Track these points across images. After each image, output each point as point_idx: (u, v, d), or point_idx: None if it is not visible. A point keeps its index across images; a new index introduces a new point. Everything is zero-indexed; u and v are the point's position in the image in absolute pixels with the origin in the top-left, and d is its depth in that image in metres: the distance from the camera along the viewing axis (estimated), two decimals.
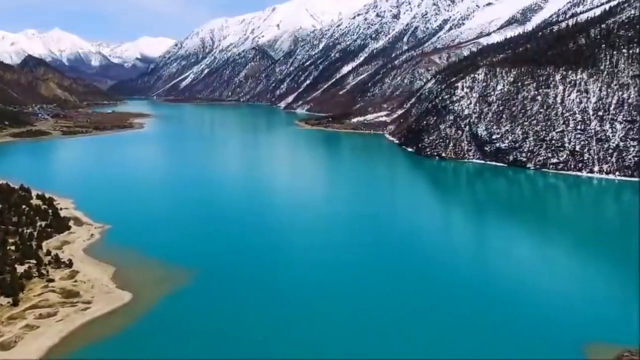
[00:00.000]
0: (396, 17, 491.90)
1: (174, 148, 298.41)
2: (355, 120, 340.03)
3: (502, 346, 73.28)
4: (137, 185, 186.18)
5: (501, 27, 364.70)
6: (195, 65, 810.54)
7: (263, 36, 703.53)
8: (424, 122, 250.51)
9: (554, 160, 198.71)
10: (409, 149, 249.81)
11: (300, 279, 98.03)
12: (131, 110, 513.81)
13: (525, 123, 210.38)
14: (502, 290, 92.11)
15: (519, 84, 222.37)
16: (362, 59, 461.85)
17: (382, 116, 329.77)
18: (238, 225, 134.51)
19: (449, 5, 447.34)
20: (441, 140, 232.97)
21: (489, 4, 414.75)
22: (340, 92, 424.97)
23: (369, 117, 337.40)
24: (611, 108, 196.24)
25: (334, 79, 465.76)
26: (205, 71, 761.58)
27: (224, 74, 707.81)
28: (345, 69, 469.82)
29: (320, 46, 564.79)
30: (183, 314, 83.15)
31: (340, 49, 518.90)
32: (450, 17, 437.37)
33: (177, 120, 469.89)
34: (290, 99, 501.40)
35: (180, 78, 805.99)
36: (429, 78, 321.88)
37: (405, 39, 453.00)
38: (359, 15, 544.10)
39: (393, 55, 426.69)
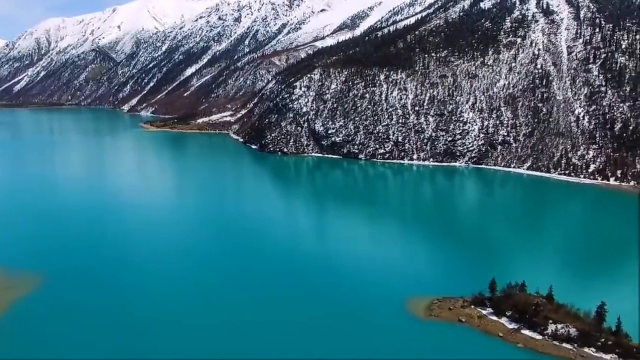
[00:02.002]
0: (238, 20, 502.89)
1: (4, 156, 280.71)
2: (200, 121, 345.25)
3: (342, 310, 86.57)
4: None
5: (334, 32, 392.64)
6: (30, 68, 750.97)
7: (104, 38, 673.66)
8: (267, 121, 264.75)
9: (382, 151, 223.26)
10: (254, 147, 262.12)
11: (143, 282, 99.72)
12: None
13: (357, 119, 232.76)
14: (341, 267, 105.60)
15: (350, 83, 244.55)
16: (205, 61, 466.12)
17: (226, 116, 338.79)
18: (77, 229, 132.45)
19: (287, 10, 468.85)
20: (283, 136, 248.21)
21: (323, 10, 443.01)
22: (185, 94, 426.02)
23: (214, 117, 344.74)
24: (425, 104, 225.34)
25: (179, 81, 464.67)
26: (42, 74, 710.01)
27: (63, 76, 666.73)
28: (189, 71, 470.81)
29: (164, 48, 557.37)
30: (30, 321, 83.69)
31: (183, 52, 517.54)
32: (288, 21, 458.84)
33: (11, 126, 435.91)
34: (134, 102, 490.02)
35: (13, 81, 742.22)
36: (270, 79, 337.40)
37: (247, 42, 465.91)
38: (201, 18, 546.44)
39: (236, 57, 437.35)
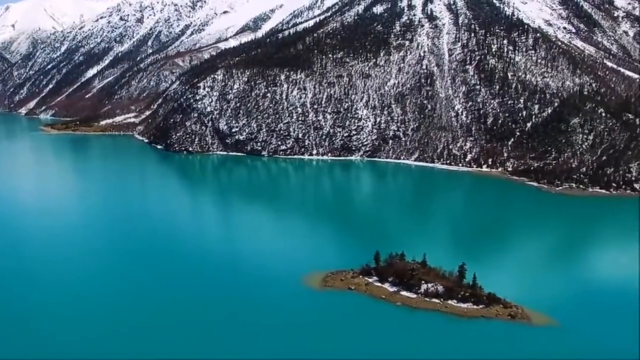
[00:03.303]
0: (140, 21, 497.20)
1: None
2: (104, 122, 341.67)
3: (248, 292, 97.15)
4: None
5: (237, 34, 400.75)
6: None
7: None
8: (171, 121, 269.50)
9: (283, 147, 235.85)
10: (159, 147, 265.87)
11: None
12: None
13: (259, 117, 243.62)
14: (245, 256, 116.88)
15: (252, 83, 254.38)
16: (107, 62, 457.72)
17: (130, 117, 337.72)
18: None
19: (190, 11, 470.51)
20: (188, 136, 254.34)
21: (226, 12, 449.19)
22: (87, 96, 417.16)
23: (118, 119, 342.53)
24: (323, 102, 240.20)
25: (79, 83, 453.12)
26: None
27: None
28: (91, 72, 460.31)
29: (63, 49, 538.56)
30: None
31: (84, 52, 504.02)
32: (191, 22, 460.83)
33: None
34: (32, 104, 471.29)
35: None
36: (174, 80, 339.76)
37: (149, 43, 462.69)
38: (102, 18, 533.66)
39: (138, 58, 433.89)
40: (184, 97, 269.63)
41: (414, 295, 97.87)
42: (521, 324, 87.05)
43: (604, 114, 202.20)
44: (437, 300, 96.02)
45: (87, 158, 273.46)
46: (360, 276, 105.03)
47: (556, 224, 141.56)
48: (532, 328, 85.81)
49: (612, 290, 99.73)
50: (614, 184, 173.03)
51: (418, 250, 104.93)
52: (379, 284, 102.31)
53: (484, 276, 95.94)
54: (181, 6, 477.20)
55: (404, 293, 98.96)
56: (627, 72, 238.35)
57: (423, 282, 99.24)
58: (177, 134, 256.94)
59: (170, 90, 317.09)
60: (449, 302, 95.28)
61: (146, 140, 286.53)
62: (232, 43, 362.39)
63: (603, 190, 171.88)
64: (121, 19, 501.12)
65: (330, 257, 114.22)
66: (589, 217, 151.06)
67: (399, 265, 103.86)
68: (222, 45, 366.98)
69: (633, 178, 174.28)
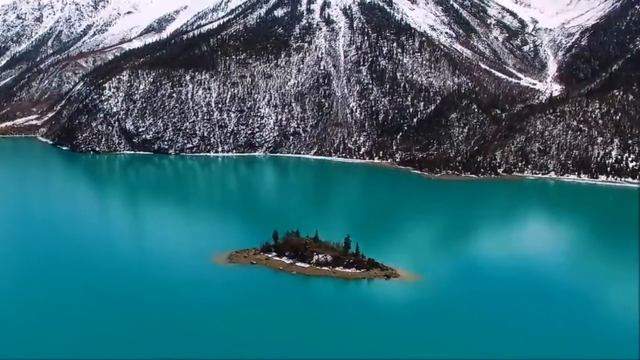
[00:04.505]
0: (39, 20, 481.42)
1: None
2: (3, 125, 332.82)
3: (164, 274, 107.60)
4: None
5: (141, 34, 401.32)
6: None
7: None
8: (77, 122, 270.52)
9: (189, 145, 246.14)
10: (64, 148, 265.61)
11: None
12: None
13: (165, 116, 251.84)
14: (158, 244, 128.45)
15: (158, 83, 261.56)
16: (4, 62, 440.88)
17: (32, 119, 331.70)
18: None
19: (92, 11, 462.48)
20: (94, 136, 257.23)
21: (129, 12, 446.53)
22: None
23: (19, 121, 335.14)
24: (227, 101, 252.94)
25: None
26: None
27: None
28: None
29: None
30: None
31: None
32: (94, 22, 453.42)
33: None
34: None
35: None
36: (77, 81, 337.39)
37: (50, 43, 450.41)
38: None
39: (38, 59, 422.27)
40: (90, 98, 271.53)
41: (307, 265, 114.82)
42: (394, 281, 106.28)
43: (476, 110, 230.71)
44: (327, 268, 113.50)
45: None
46: (261, 253, 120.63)
47: (431, 204, 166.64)
48: (402, 283, 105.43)
49: (466, 254, 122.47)
50: (482, 170, 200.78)
51: (311, 228, 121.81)
52: (277, 258, 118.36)
53: (367, 246, 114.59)
54: (83, 5, 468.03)
55: (298, 264, 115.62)
56: (497, 73, 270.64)
57: (315, 253, 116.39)
58: (84, 135, 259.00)
59: (74, 92, 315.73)
60: (337, 268, 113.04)
61: (50, 142, 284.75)
62: (137, 44, 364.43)
63: (474, 175, 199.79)
64: (18, 17, 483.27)
65: (234, 239, 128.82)
66: (458, 197, 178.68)
67: (294, 241, 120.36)
68: (127, 46, 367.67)
69: (497, 164, 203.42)
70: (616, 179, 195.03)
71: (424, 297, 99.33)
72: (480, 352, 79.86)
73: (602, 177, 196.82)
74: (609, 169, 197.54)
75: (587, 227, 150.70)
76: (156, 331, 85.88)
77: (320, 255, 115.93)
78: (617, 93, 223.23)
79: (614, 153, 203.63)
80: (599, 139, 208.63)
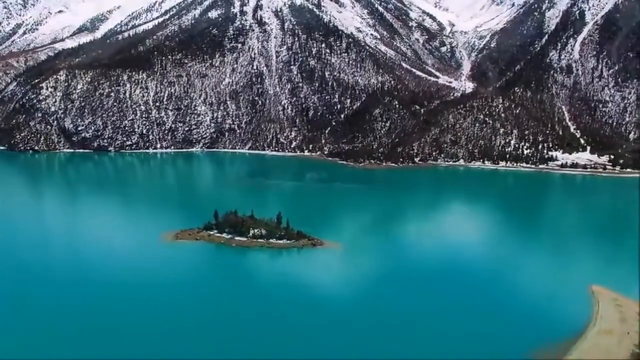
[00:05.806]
0: None
1: None
2: None
3: (117, 254, 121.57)
4: None
5: (74, 34, 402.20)
6: None
7: None
8: (14, 121, 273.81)
9: (129, 143, 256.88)
10: (1, 147, 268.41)
11: None
12: None
13: (104, 115, 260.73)
14: (104, 228, 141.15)
15: (96, 83, 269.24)
16: None
17: None
18: None
19: (22, 10, 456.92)
20: (33, 135, 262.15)
21: (60, 11, 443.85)
22: None
23: None
24: (164, 100, 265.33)
25: None
26: None
27: None
28: None
29: None
30: None
31: None
32: (23, 21, 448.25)
33: None
34: None
35: None
36: (10, 81, 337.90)
37: None
38: None
39: None
40: (26, 98, 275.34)
41: (245, 239, 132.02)
42: (318, 248, 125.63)
43: (398, 106, 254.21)
44: (262, 240, 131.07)
45: None
46: (204, 231, 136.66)
47: (352, 187, 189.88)
48: (324, 249, 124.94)
49: (381, 226, 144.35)
50: (401, 159, 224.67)
51: (247, 208, 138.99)
52: (218, 235, 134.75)
53: (296, 222, 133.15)
54: (11, 4, 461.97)
55: (237, 238, 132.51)
56: (418, 72, 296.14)
57: (251, 228, 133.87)
58: (22, 134, 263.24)
59: (8, 92, 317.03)
60: (271, 240, 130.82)
61: None
62: (70, 44, 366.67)
63: (393, 164, 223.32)
64: None
65: (179, 221, 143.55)
66: (378, 181, 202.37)
67: (233, 219, 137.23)
68: (59, 46, 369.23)
69: (414, 154, 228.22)
70: (514, 165, 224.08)
71: (341, 259, 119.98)
72: (376, 292, 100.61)
73: (502, 163, 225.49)
74: (508, 156, 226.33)
75: (490, 204, 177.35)
76: (122, 302, 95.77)
77: (255, 230, 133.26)
78: (517, 90, 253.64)
79: (512, 142, 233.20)
80: (501, 130, 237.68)
